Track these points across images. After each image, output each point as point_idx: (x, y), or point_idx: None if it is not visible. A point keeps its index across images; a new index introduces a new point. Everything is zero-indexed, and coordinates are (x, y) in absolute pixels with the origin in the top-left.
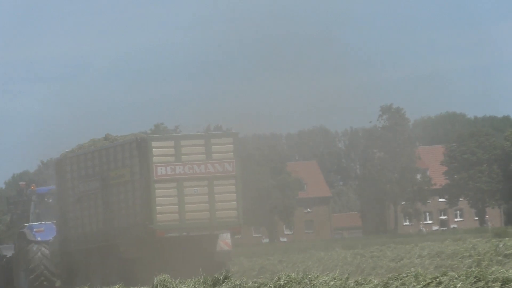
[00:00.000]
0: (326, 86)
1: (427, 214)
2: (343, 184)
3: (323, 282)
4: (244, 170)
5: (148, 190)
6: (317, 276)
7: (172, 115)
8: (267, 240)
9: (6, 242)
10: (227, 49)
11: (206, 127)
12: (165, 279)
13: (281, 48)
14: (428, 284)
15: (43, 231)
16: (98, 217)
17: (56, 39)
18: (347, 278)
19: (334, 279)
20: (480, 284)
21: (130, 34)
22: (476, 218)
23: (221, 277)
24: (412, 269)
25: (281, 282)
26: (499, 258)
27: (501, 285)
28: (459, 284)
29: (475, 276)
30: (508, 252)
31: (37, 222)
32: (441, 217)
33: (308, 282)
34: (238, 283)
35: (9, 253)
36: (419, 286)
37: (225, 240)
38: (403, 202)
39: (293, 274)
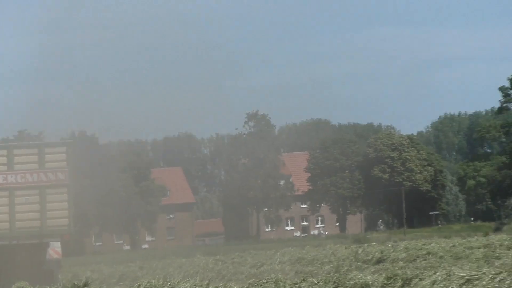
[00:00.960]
0: (193, 92)
1: (289, 220)
2: (207, 190)
3: None
4: (106, 177)
5: None
6: (178, 282)
7: (35, 121)
8: (128, 247)
9: None
10: (93, 52)
11: (70, 133)
12: (23, 287)
13: (147, 54)
14: None
15: None
16: None
17: None
18: (208, 284)
19: (195, 285)
20: None
21: None
22: (337, 224)
23: (81, 284)
24: (273, 275)
25: None
26: (358, 263)
27: None
28: None
29: (334, 282)
30: (367, 258)
31: None
32: (302, 223)
33: None
34: None
35: None
36: None
37: (54, 249)
38: (266, 209)
39: (153, 281)
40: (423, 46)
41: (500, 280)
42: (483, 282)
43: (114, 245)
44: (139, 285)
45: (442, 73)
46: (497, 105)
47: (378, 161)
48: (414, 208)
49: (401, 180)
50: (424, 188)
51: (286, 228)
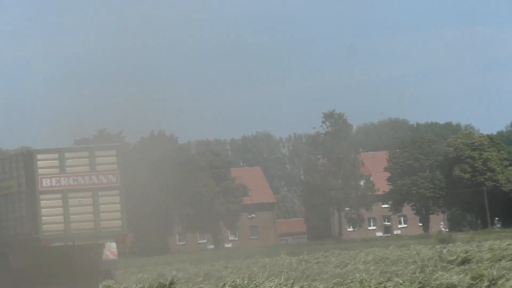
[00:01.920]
0: (269, 92)
1: (371, 220)
2: (288, 190)
3: (268, 287)
4: (186, 177)
5: (34, 201)
6: (262, 282)
7: (115, 121)
8: (212, 246)
9: None
10: (170, 54)
11: (149, 133)
12: (109, 285)
13: (225, 54)
14: None
15: None
16: None
17: None
18: (292, 284)
19: (280, 285)
20: None
21: (71, 39)
22: (420, 224)
23: (167, 283)
24: (357, 275)
25: None
26: (443, 264)
27: None
28: None
29: (420, 282)
30: (452, 258)
31: None
32: (384, 223)
33: None
34: None
35: None
36: None
37: (110, 249)
38: (347, 209)
39: (238, 280)
40: (502, 45)
41: None
42: None
43: (198, 244)
44: (224, 284)
45: None
46: None
47: (458, 161)
48: (497, 208)
49: (483, 180)
50: (508, 188)
51: (369, 228)
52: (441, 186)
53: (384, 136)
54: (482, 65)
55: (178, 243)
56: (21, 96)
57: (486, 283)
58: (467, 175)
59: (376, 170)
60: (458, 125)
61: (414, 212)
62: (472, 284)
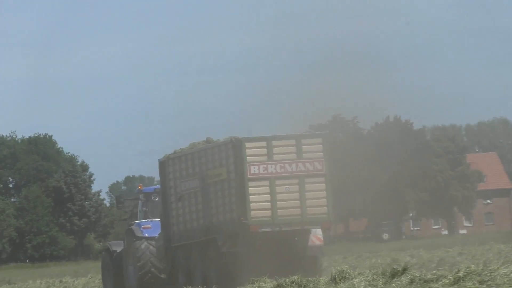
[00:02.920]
0: (508, 75)
1: None
2: None
3: (503, 274)
4: (422, 162)
5: (243, 188)
6: (498, 268)
7: (350, 106)
8: (446, 232)
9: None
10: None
11: (384, 118)
12: (343, 270)
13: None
14: None
15: (150, 228)
16: (198, 214)
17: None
18: None
19: None
20: None
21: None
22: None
23: (400, 269)
24: None
25: (461, 274)
26: None
27: None
28: None
29: None
30: None
31: (144, 219)
32: None
33: (488, 274)
34: (417, 275)
35: (118, 249)
36: None
37: (317, 235)
38: None
39: (472, 266)
40: None
41: None
42: None
43: (432, 230)
44: (458, 270)
45: None
46: None
47: None
48: None
49: None
50: None
51: None
52: None
53: None
54: None
55: (412, 228)
56: (255, 83)
57: None
58: None
59: None
60: None
61: None
62: None
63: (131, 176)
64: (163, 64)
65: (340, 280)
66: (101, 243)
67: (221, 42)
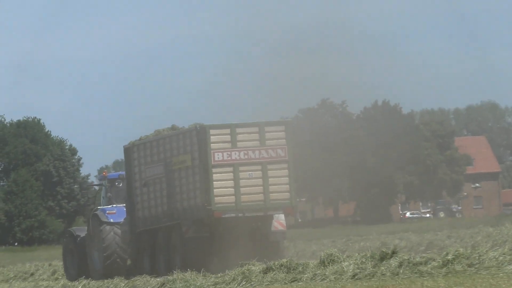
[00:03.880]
0: (495, 60)
1: None
2: None
3: (492, 257)
4: (411, 146)
5: (207, 174)
6: (486, 251)
7: (338, 90)
8: (431, 216)
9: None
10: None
11: (373, 102)
12: (332, 253)
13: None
14: None
15: (115, 213)
16: (163, 200)
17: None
18: None
19: (503, 254)
20: None
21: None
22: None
23: (389, 252)
24: None
25: (449, 257)
26: None
27: None
28: None
29: None
30: None
31: (108, 205)
32: None
33: (477, 257)
34: (406, 258)
35: (82, 234)
36: None
37: (279, 221)
38: None
39: (461, 250)
40: None
41: None
42: None
43: (421, 213)
44: (447, 253)
45: None
46: None
47: None
48: None
49: None
50: None
51: None
52: None
53: None
54: None
55: (401, 212)
56: (239, 67)
57: None
58: None
59: None
60: None
61: None
62: None
63: (120, 160)
64: (152, 48)
65: (329, 263)
66: None
67: (209, 26)
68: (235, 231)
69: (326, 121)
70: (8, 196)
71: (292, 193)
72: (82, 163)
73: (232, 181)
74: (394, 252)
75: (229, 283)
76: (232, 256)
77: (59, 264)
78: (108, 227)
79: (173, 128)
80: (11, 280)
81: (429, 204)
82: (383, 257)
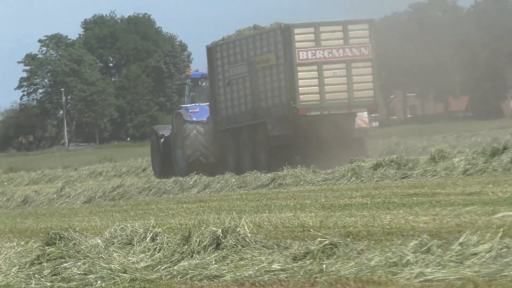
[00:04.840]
0: None
1: None
2: None
3: None
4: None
5: (292, 73)
6: None
7: None
8: None
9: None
10: None
11: None
12: (442, 149)
13: None
14: None
15: (197, 112)
16: (246, 99)
17: None
18: None
19: None
20: None
21: None
22: None
23: (501, 147)
24: None
25: None
26: None
27: None
28: None
29: None
30: None
31: (192, 104)
32: None
33: None
34: None
35: (166, 133)
36: None
37: (362, 118)
38: None
39: None
40: None
41: None
42: None
43: None
44: None
45: None
46: None
47: None
48: None
49: None
50: None
51: None
52: None
53: None
54: None
55: None
56: None
57: None
58: None
59: None
60: None
61: None
62: None
63: None
64: None
65: (439, 159)
66: None
67: None
68: (319, 128)
69: (436, 16)
70: (120, 92)
71: (375, 91)
72: (192, 59)
73: (316, 80)
74: (505, 148)
75: (339, 179)
76: (317, 153)
77: None
78: (190, 125)
79: (255, 27)
80: (123, 175)
81: None
82: (495, 153)
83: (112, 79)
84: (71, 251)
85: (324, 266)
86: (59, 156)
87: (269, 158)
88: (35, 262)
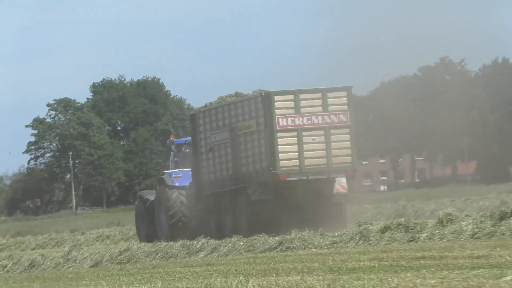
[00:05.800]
0: None
1: None
2: None
3: None
4: None
5: (272, 139)
6: None
7: (457, 48)
8: None
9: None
10: None
11: (492, 60)
12: (450, 213)
13: None
14: None
15: (180, 177)
16: (228, 164)
17: None
18: None
19: None
20: None
21: None
22: None
23: (509, 211)
24: None
25: None
26: None
27: None
28: None
29: None
30: None
31: (175, 169)
32: None
33: None
34: None
35: (151, 197)
36: None
37: (341, 184)
38: None
39: None
40: None
41: None
42: None
43: None
44: None
45: None
46: None
47: None
48: None
49: None
50: None
51: None
52: None
53: None
54: None
55: None
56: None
57: None
58: None
59: None
60: None
61: None
62: None
63: None
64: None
65: (447, 222)
66: None
67: None
68: (298, 193)
69: (444, 80)
70: (128, 156)
71: (353, 156)
72: None
73: (296, 146)
74: None
75: (347, 242)
76: (296, 218)
77: None
78: (173, 190)
79: (236, 95)
80: (130, 239)
81: None
82: (503, 216)
83: (121, 143)
84: None
85: None
86: (66, 220)
87: (250, 222)
88: None
